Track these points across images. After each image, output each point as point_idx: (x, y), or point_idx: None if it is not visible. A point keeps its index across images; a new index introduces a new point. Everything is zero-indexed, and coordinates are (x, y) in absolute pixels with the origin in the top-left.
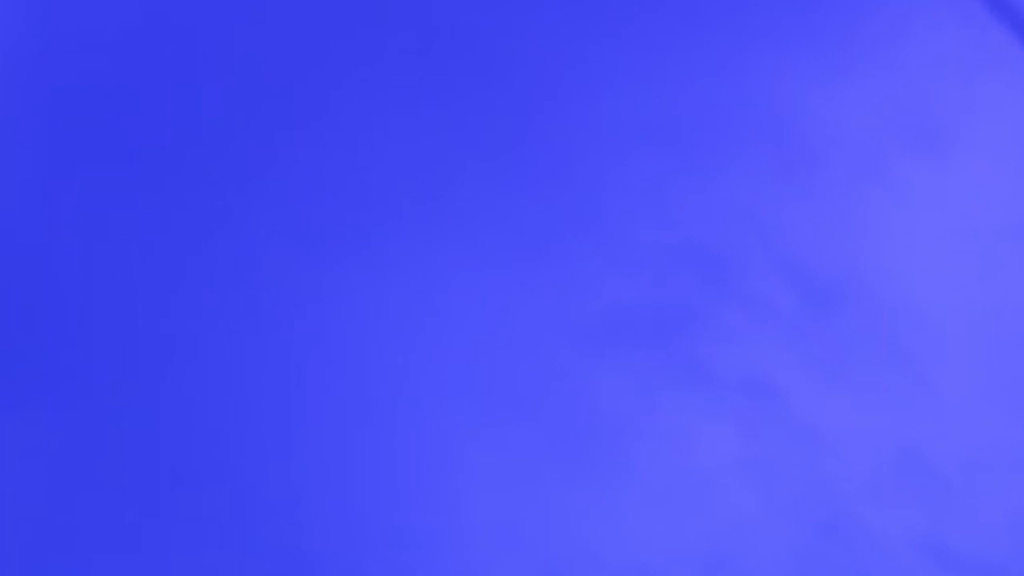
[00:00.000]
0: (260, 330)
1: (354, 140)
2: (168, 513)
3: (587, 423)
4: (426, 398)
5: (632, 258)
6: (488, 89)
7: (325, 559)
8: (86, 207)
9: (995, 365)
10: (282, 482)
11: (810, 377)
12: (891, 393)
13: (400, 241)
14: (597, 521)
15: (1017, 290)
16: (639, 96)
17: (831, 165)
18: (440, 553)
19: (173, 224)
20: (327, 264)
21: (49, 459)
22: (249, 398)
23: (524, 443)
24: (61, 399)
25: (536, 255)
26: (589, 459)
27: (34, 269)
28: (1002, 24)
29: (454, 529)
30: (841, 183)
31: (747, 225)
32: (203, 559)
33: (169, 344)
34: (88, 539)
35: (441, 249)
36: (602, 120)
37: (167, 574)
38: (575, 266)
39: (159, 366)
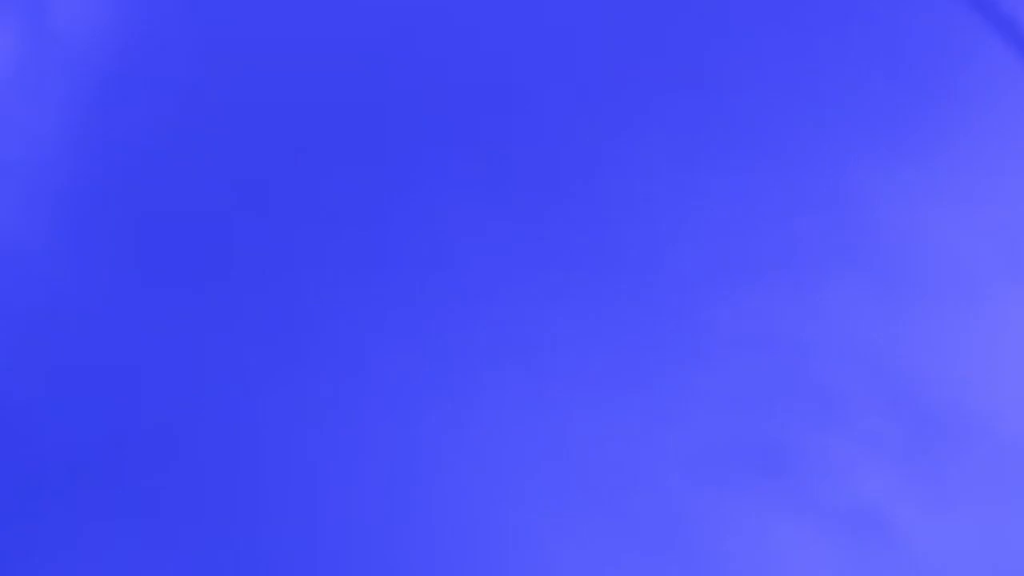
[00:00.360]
0: (387, 463)
1: (467, 266)
2: None
3: (692, 552)
4: (538, 528)
5: (738, 388)
6: (593, 229)
7: None
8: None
9: None
10: None
11: (917, 508)
12: (1001, 525)
13: (510, 370)
14: None
15: None
16: (740, 226)
17: (937, 293)
18: None
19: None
20: (443, 396)
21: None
22: (375, 528)
23: (630, 573)
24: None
25: (643, 386)
26: None
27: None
28: None
29: None
30: (948, 311)
31: (853, 354)
32: None
33: (289, 474)
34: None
35: (550, 380)
36: (706, 251)
37: None
38: (682, 397)
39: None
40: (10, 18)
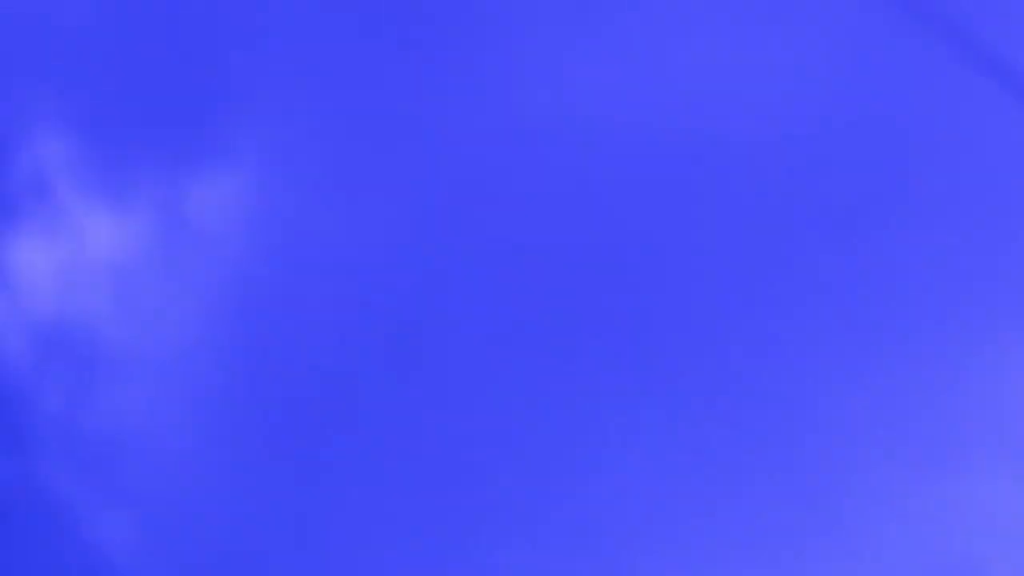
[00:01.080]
0: None
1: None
2: None
3: None
4: None
5: (874, 568)
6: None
7: None
8: None
9: None
10: None
11: None
12: None
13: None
14: None
15: None
16: (875, 403)
17: None
18: None
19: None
20: None
21: None
22: None
23: None
24: None
25: (777, 565)
26: None
27: None
28: None
29: None
30: None
31: (991, 529)
32: None
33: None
34: None
35: (688, 549)
36: (844, 429)
37: None
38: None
39: None
40: (145, 207)
